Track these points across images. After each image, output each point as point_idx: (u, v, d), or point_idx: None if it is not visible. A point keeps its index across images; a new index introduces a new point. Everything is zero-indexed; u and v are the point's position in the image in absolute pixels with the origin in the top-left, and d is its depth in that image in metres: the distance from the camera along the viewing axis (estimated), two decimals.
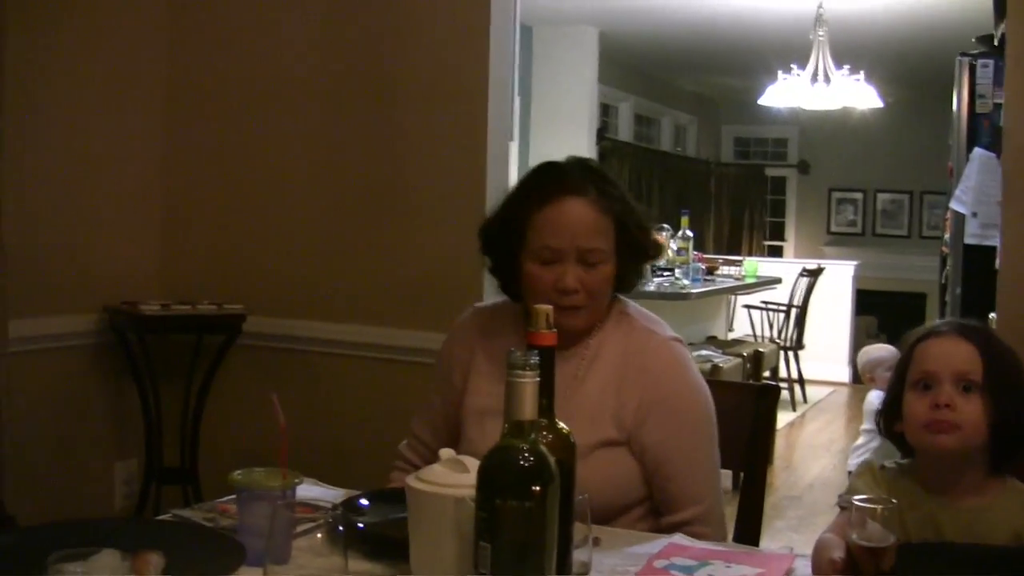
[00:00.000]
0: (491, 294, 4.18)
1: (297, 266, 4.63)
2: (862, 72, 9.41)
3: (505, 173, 4.45)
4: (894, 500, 1.95)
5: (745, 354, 8.79)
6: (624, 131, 12.97)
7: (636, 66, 12.86)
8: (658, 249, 2.79)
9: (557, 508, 1.69)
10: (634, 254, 2.67)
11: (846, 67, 9.29)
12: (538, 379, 1.67)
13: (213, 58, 4.81)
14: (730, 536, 2.69)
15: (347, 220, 4.50)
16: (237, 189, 4.76)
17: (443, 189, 4.31)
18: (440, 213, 4.31)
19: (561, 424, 1.84)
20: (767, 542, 2.83)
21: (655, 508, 2.62)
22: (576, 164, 2.70)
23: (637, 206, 2.70)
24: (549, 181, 2.64)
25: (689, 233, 8.40)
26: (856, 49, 9.63)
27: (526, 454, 1.65)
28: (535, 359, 1.67)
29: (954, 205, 5.28)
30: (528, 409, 1.66)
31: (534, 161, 9.29)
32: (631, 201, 2.69)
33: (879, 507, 1.89)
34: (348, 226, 4.50)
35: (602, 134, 11.52)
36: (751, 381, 7.96)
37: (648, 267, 2.79)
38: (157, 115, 4.84)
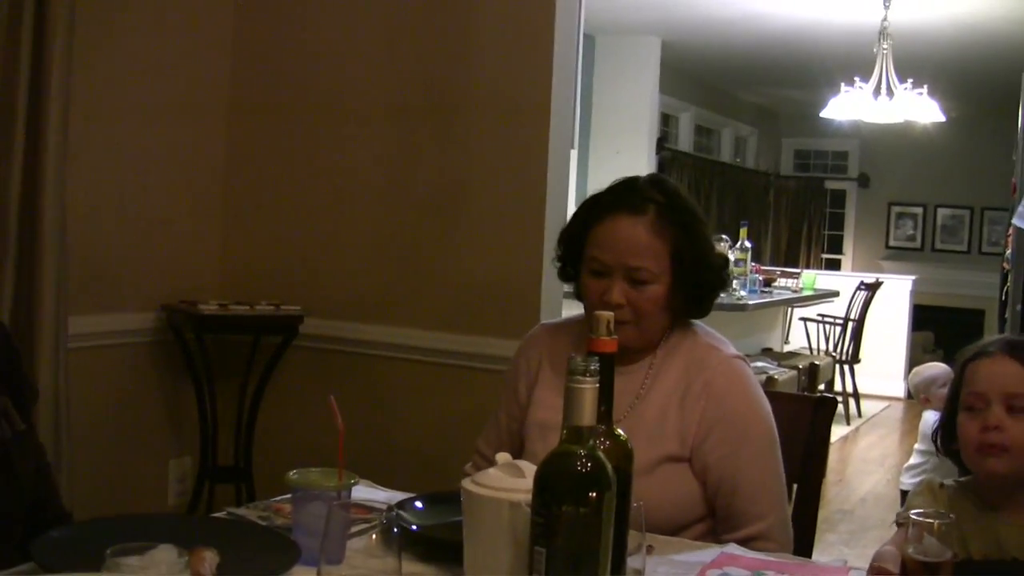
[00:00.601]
0: (549, 301, 4.19)
1: (356, 270, 4.64)
2: (925, 86, 9.34)
3: (565, 181, 4.45)
4: (952, 516, 1.94)
5: (801, 367, 8.76)
6: (684, 141, 12.94)
7: (697, 77, 12.83)
8: (722, 282, 2.75)
9: (613, 515, 1.68)
10: (690, 283, 2.65)
11: (909, 81, 9.22)
12: (597, 385, 1.67)
13: (277, 60, 4.84)
14: None
15: (406, 225, 4.51)
16: (298, 192, 4.78)
17: (503, 196, 4.31)
18: (500, 220, 4.32)
19: (619, 431, 1.83)
20: (818, 555, 2.81)
21: (716, 528, 2.62)
22: (649, 183, 2.69)
23: (705, 237, 2.69)
24: (613, 197, 2.66)
25: (748, 244, 8.37)
26: (920, 63, 9.56)
27: (584, 460, 1.65)
28: (595, 365, 1.66)
29: (1017, 221, 5.25)
30: (587, 415, 1.66)
31: (593, 169, 9.28)
32: (700, 231, 2.67)
33: (936, 522, 1.88)
34: (407, 231, 4.51)
35: (662, 144, 11.50)
36: (806, 393, 7.92)
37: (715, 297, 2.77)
38: (220, 116, 4.87)
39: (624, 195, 2.65)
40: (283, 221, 4.81)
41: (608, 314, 1.83)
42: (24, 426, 2.43)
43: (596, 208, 2.66)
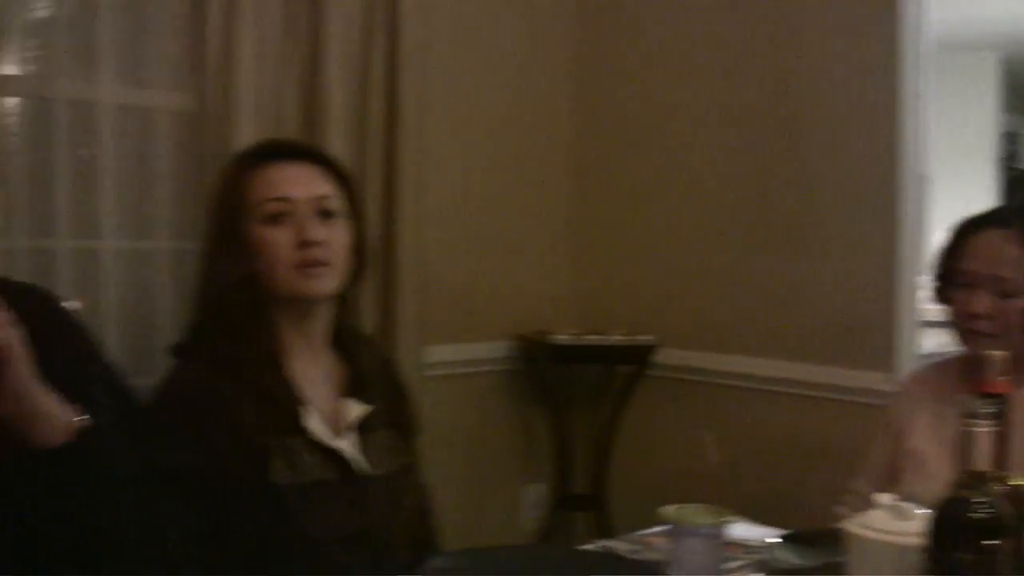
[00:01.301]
0: (905, 330, 4.09)
1: (708, 298, 4.61)
2: None
3: (917, 206, 4.32)
4: None
5: None
6: None
7: None
8: None
9: (1011, 563, 1.64)
10: None
11: None
12: (994, 428, 1.63)
13: (621, 87, 4.87)
14: None
15: (757, 253, 4.46)
16: (647, 220, 4.79)
17: (853, 222, 4.21)
18: (851, 247, 4.22)
19: (1016, 477, 1.78)
20: None
21: None
22: (1010, 205, 2.73)
23: None
24: (985, 214, 2.71)
25: None
26: None
27: (983, 506, 1.61)
28: (991, 408, 1.63)
29: None
30: (983, 459, 1.62)
31: (935, 191, 8.97)
32: None
33: None
34: (758, 259, 4.45)
35: (1008, 164, 11.08)
36: None
37: None
38: (565, 146, 4.94)
39: (995, 212, 2.72)
40: (633, 249, 4.83)
41: (1001, 353, 1.78)
42: (408, 460, 2.53)
43: (968, 225, 2.70)
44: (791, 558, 2.24)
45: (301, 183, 2.42)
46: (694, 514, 2.11)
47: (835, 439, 4.05)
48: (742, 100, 4.50)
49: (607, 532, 4.44)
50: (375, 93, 3.99)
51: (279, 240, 2.36)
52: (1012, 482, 1.76)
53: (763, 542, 2.29)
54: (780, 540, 2.34)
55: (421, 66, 4.08)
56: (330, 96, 3.85)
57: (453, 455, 4.50)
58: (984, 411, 1.62)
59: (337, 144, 3.83)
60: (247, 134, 3.54)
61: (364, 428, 2.44)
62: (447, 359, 4.44)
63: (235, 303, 2.38)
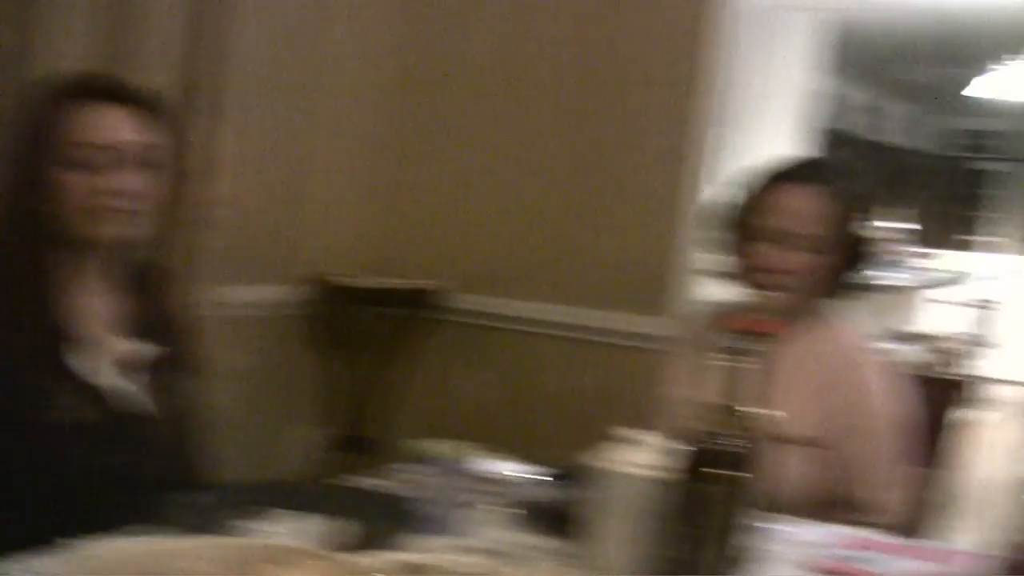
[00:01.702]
0: (676, 277, 4.17)
1: (501, 244, 4.65)
2: None
3: (713, 158, 4.38)
4: None
5: (936, 348, 8.61)
6: (845, 122, 12.71)
7: (856, 55, 12.52)
8: (864, 259, 2.77)
9: (744, 494, 1.69)
10: (847, 257, 2.69)
11: None
12: (749, 366, 1.68)
13: (422, 31, 4.85)
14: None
15: (553, 200, 4.52)
16: (444, 165, 4.80)
17: (649, 172, 4.29)
18: (646, 197, 4.29)
19: (757, 411, 1.82)
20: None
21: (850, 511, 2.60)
22: (810, 160, 2.91)
23: (862, 217, 2.75)
24: (782, 169, 2.74)
25: (899, 225, 8.24)
26: None
27: (722, 439, 1.67)
28: (739, 344, 1.67)
29: None
30: (728, 394, 1.67)
31: (741, 149, 9.16)
32: (859, 208, 2.74)
33: None
34: (553, 207, 4.52)
35: (820, 125, 11.32)
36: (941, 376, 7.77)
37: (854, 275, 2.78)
38: (363, 93, 4.87)
39: (796, 168, 2.75)
40: (429, 195, 4.83)
41: (772, 295, 1.86)
42: (189, 402, 2.52)
43: (766, 180, 2.73)
44: (552, 494, 2.26)
45: (115, 128, 2.28)
46: (447, 449, 2.13)
47: (609, 382, 4.15)
48: (547, 50, 4.52)
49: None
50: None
51: (82, 185, 2.25)
52: (751, 416, 1.80)
53: (525, 478, 2.31)
54: (547, 477, 2.36)
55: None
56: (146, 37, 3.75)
57: (241, 396, 4.45)
58: (739, 347, 1.66)
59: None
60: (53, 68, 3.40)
61: (150, 369, 2.40)
62: (241, 300, 4.37)
63: (14, 240, 2.30)
